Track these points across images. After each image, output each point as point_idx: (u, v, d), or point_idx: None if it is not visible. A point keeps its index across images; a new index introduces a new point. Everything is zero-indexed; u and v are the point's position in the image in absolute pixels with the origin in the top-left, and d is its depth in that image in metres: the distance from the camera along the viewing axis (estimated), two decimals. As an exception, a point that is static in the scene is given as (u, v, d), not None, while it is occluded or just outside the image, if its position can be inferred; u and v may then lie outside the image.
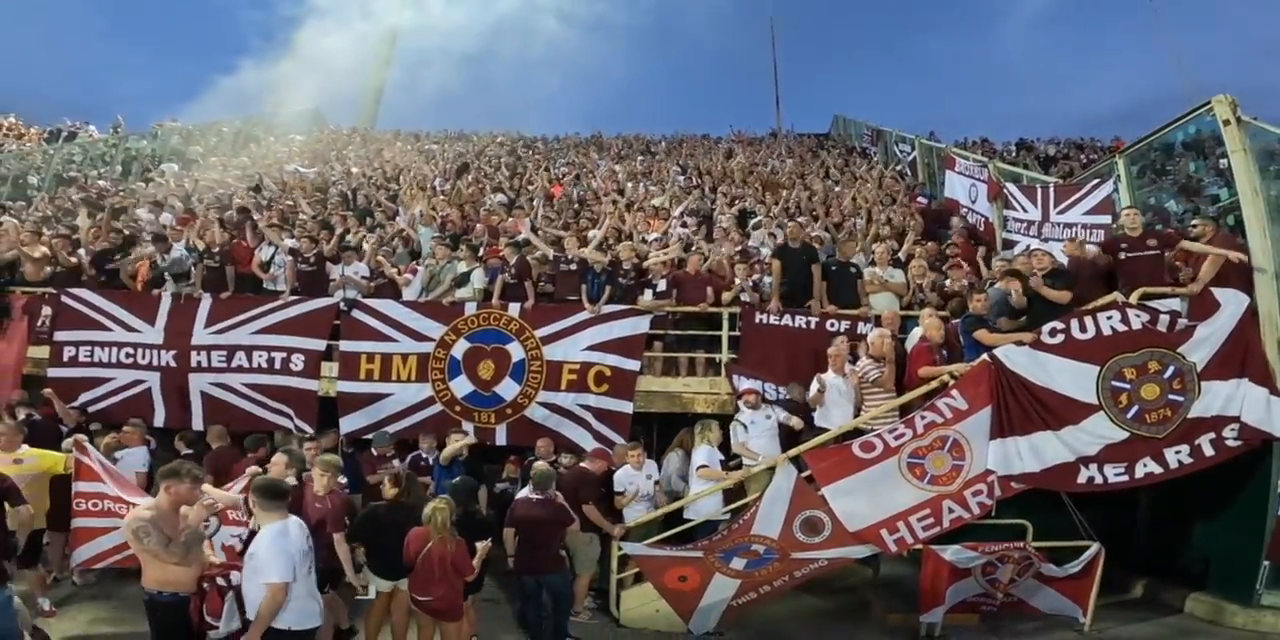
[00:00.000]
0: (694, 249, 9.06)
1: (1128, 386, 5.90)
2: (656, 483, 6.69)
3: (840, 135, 22.28)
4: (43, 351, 8.79)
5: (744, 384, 7.00)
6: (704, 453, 6.51)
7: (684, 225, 10.47)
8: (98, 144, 17.90)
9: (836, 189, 13.04)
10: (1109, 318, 6.01)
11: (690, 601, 6.12)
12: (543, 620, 5.64)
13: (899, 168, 15.27)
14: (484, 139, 22.10)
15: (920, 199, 12.77)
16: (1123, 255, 6.35)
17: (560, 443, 7.71)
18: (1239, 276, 6.07)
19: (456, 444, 7.04)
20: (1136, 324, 5.98)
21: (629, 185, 13.88)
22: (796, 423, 6.70)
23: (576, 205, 12.13)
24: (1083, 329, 5.96)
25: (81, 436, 6.12)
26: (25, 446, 5.70)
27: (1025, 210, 9.36)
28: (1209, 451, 5.89)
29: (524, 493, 5.88)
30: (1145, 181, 10.16)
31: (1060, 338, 5.93)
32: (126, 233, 10.19)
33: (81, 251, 9.46)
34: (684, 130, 23.50)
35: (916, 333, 6.80)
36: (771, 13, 37.94)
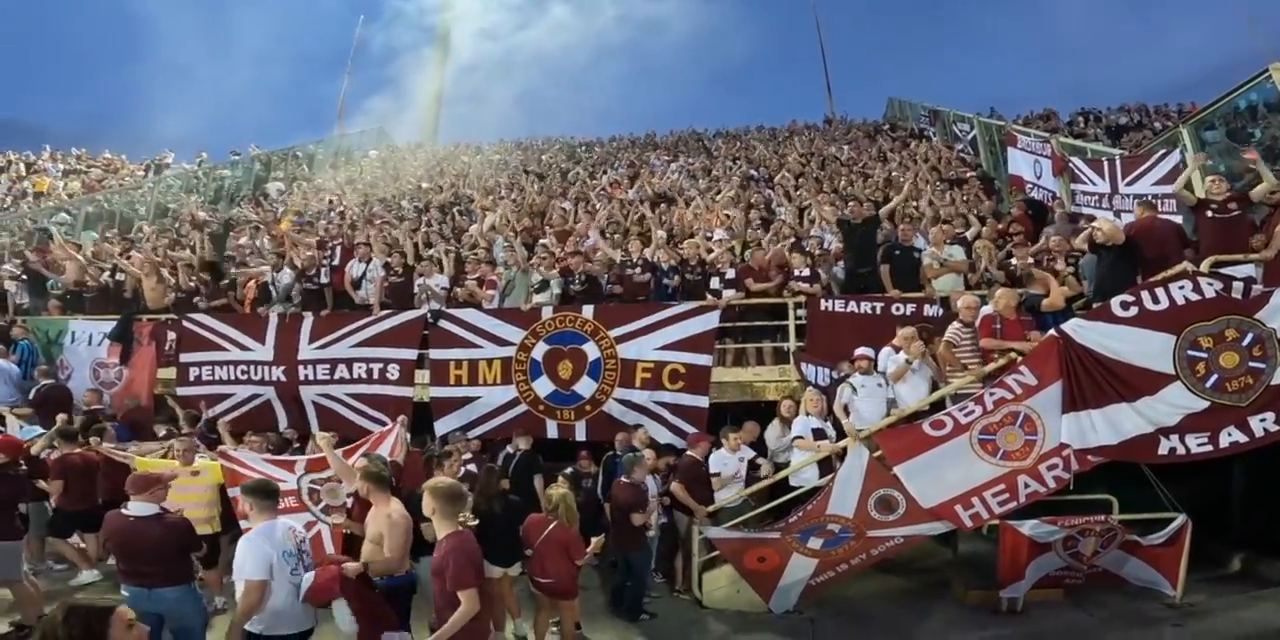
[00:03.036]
0: (753, 242, 9.34)
1: (1205, 355, 5.83)
2: (756, 462, 6.96)
3: (896, 118, 21.96)
4: (171, 373, 9.78)
5: (859, 350, 7.03)
6: (800, 423, 6.78)
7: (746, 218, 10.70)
8: (192, 174, 19.36)
9: (894, 174, 12.99)
10: (1181, 287, 5.93)
11: (770, 582, 6.40)
12: (625, 591, 6.21)
13: (960, 147, 15.03)
14: (541, 146, 22.80)
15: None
16: (1210, 214, 6.31)
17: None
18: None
19: None
20: (1210, 292, 5.88)
21: (686, 183, 14.18)
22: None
23: (640, 205, 12.50)
24: (1155, 300, 5.90)
25: (223, 447, 6.83)
26: (200, 459, 6.40)
27: (1094, 183, 9.21)
28: (1296, 418, 5.78)
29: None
30: (1223, 146, 9.83)
31: (1134, 310, 5.89)
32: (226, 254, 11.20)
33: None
34: (734, 124, 23.59)
35: (985, 310, 6.85)
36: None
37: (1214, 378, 5.84)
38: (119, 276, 10.53)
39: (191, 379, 9.66)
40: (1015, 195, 11.39)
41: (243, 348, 9.57)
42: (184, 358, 9.73)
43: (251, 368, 9.47)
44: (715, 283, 8.25)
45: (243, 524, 6.12)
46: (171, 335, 9.93)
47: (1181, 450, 5.88)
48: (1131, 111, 18.09)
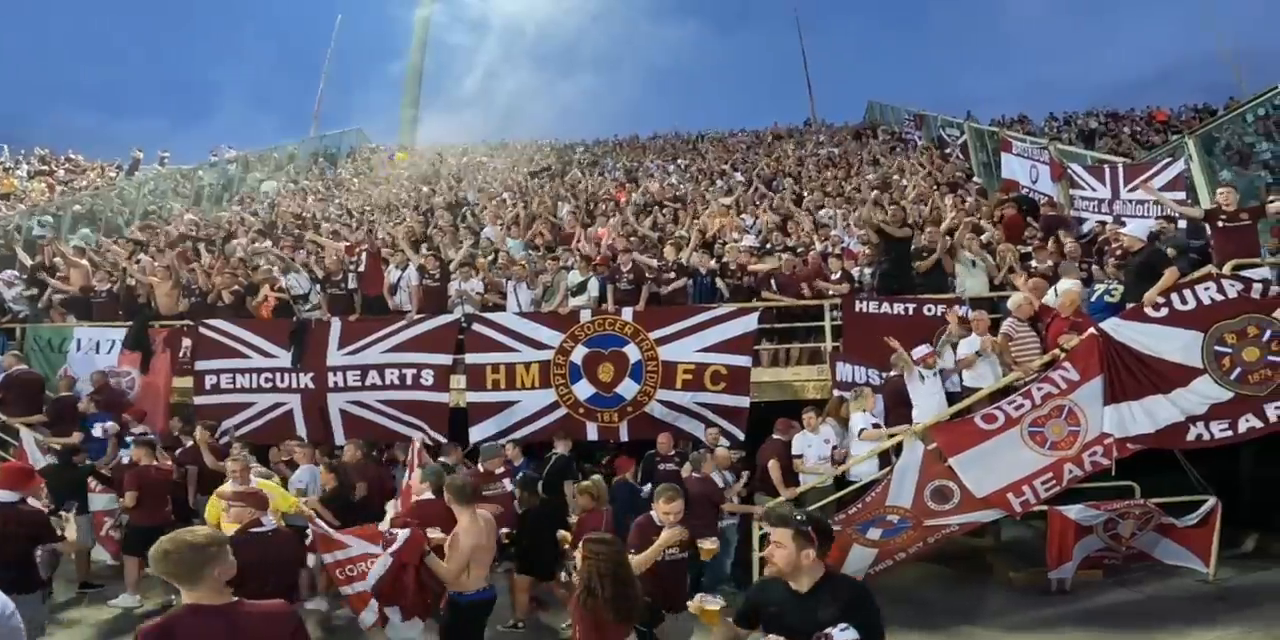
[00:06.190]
0: (778, 248, 9.65)
1: (1230, 350, 6.35)
2: (835, 447, 7.17)
3: (876, 121, 22.62)
4: (187, 382, 9.51)
5: (919, 352, 7.25)
6: (860, 418, 7.05)
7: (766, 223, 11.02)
8: (170, 176, 18.76)
9: (895, 177, 13.49)
10: (1206, 289, 6.45)
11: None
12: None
13: (948, 152, 15.67)
14: (527, 147, 22.79)
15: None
16: (1220, 224, 6.84)
17: (678, 437, 8.31)
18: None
19: None
20: (1232, 293, 6.41)
21: (688, 187, 14.46)
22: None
23: (649, 209, 12.70)
24: (1183, 301, 6.41)
25: (307, 510, 6.09)
26: (255, 480, 6.00)
27: (1093, 189, 9.79)
28: (1306, 405, 6.35)
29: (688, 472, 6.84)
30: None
31: (1164, 311, 6.39)
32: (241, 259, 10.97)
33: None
34: (715, 126, 24.03)
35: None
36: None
37: (1238, 370, 6.36)
38: (129, 281, 10.19)
39: (209, 387, 9.40)
40: (998, 197, 11.99)
41: (266, 354, 9.37)
42: (201, 365, 9.45)
43: (277, 375, 9.30)
44: (773, 285, 8.48)
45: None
46: (186, 342, 9.68)
47: (1207, 436, 6.41)
48: (1099, 116, 19.11)
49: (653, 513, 4.33)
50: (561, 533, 5.48)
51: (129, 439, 7.83)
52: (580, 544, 3.87)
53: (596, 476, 6.00)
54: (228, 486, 5.87)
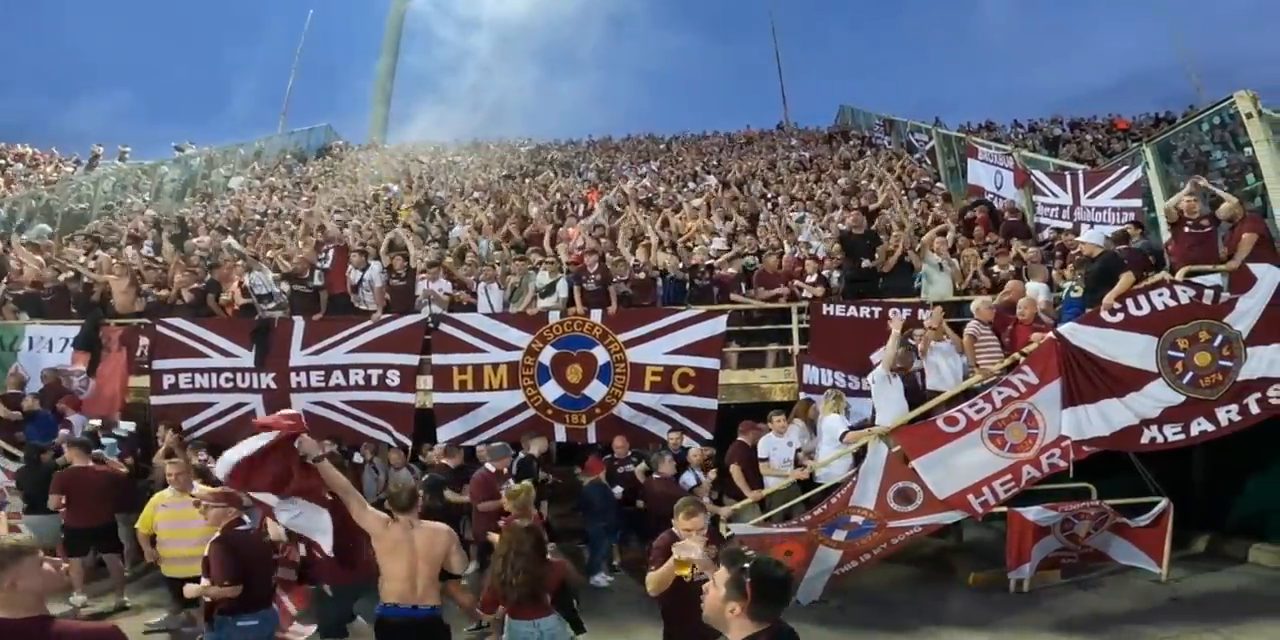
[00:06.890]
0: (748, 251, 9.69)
1: (1182, 355, 6.53)
2: (799, 450, 7.20)
3: (847, 125, 22.86)
4: (144, 381, 9.28)
5: (879, 355, 7.40)
6: (837, 421, 7.03)
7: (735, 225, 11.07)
8: (132, 172, 18.30)
9: (864, 182, 13.65)
10: (1160, 294, 6.63)
11: (796, 574, 6.73)
12: None
13: (916, 156, 15.89)
14: (500, 147, 22.63)
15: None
16: (1186, 229, 7.07)
17: (645, 439, 8.32)
18: (1271, 253, 6.74)
19: None
20: (1184, 298, 6.61)
21: (660, 188, 14.47)
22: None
23: (620, 209, 12.69)
24: (1138, 306, 6.59)
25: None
26: (199, 485, 5.72)
27: (1055, 195, 9.98)
28: (1255, 410, 6.51)
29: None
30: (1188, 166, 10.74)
31: (1120, 315, 6.56)
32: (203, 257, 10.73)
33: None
34: (687, 129, 24.13)
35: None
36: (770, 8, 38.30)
37: (1190, 375, 6.55)
38: (85, 279, 9.91)
39: (166, 387, 9.18)
40: (965, 199, 12.20)
41: (226, 354, 9.16)
42: (159, 364, 9.23)
43: (237, 375, 9.10)
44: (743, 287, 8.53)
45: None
46: (144, 341, 9.44)
47: (1160, 439, 6.59)
48: (1064, 123, 19.53)
49: (674, 528, 4.06)
50: (491, 534, 5.65)
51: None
52: None
53: (526, 482, 5.94)
54: (168, 492, 5.78)
